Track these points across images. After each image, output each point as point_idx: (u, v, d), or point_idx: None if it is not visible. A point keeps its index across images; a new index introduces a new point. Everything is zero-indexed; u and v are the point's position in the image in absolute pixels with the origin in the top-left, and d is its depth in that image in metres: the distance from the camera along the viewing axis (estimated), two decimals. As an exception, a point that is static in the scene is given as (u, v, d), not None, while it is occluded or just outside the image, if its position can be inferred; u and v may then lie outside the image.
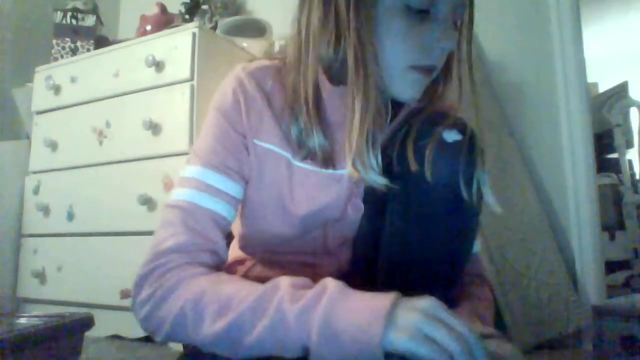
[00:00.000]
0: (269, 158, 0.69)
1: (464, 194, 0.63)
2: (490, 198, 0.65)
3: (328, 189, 0.69)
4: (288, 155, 0.68)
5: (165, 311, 0.58)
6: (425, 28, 0.63)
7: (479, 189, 0.65)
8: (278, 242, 0.73)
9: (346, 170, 0.68)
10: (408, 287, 0.64)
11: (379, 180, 0.63)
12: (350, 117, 0.63)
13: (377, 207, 0.68)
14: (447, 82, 0.73)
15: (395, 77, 0.66)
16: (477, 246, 0.78)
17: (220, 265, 0.67)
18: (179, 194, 0.66)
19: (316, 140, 0.66)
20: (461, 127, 0.66)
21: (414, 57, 0.64)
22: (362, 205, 0.70)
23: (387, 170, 0.64)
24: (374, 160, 0.63)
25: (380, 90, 0.66)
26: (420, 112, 0.71)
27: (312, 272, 0.72)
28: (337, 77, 0.66)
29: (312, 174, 0.68)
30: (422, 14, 0.63)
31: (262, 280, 0.74)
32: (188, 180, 0.67)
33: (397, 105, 0.71)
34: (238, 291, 0.56)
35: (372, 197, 0.69)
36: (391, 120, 0.71)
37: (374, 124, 0.63)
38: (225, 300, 0.55)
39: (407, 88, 0.67)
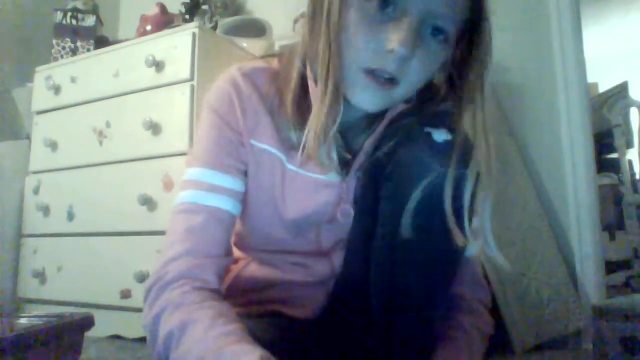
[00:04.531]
0: (265, 158, 0.69)
1: (446, 194, 0.58)
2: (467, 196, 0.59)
3: (317, 194, 0.68)
4: (282, 157, 0.68)
5: (151, 340, 0.61)
6: (383, 27, 0.57)
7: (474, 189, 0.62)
8: (272, 241, 0.73)
9: (335, 175, 0.68)
10: (399, 290, 0.63)
11: (333, 177, 0.66)
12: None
13: (369, 209, 0.66)
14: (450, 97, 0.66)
15: (349, 78, 0.60)
16: (474, 249, 0.73)
17: (228, 265, 0.69)
18: (181, 197, 0.67)
19: (295, 140, 0.66)
20: (451, 126, 0.62)
21: (366, 58, 0.58)
22: (351, 211, 0.69)
23: (379, 172, 0.64)
24: (326, 156, 0.62)
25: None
26: (413, 114, 0.67)
27: (305, 272, 0.73)
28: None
29: (302, 178, 0.68)
30: (382, 9, 0.56)
31: (255, 279, 0.74)
32: (188, 183, 0.68)
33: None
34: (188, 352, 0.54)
35: (364, 198, 0.68)
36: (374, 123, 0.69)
37: (328, 120, 0.60)
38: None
39: (360, 94, 0.61)
